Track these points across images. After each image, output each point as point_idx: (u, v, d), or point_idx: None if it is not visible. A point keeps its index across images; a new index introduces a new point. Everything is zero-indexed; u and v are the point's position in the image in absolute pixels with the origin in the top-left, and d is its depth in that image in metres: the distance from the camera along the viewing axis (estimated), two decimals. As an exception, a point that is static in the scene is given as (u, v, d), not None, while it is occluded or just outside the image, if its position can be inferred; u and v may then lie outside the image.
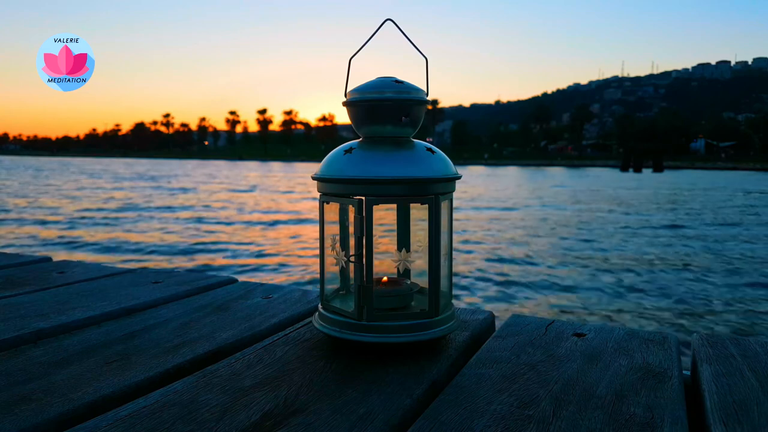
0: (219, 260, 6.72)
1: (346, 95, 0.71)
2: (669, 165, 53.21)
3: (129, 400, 0.56)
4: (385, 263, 0.75)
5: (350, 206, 0.67)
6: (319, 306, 0.73)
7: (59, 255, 5.31)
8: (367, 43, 0.71)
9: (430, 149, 0.70)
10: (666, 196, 18.31)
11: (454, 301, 0.75)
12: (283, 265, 6.43)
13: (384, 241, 0.75)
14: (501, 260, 6.73)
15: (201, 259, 6.77)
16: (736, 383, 0.61)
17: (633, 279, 5.86)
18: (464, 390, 0.59)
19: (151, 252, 7.25)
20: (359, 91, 0.69)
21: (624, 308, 4.74)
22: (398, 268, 0.78)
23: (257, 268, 6.26)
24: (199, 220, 10.77)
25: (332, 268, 0.76)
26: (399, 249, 0.76)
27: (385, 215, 0.74)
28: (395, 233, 0.78)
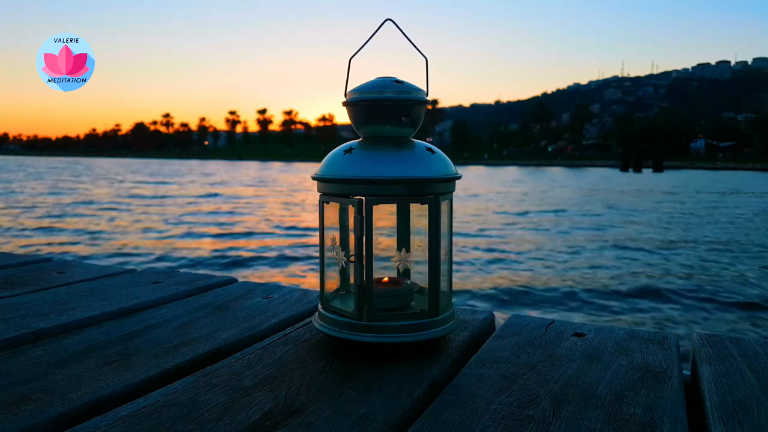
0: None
1: (346, 95, 0.71)
2: (669, 165, 53.20)
3: (129, 400, 0.56)
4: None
5: (350, 206, 0.67)
6: (319, 306, 0.73)
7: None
8: (367, 43, 0.71)
9: (430, 149, 0.70)
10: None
11: (453, 301, 0.75)
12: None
13: (384, 240, 0.75)
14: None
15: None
16: (736, 383, 0.61)
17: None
18: (464, 390, 0.59)
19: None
20: (359, 91, 0.69)
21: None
22: (398, 268, 0.78)
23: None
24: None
25: (332, 268, 0.76)
26: (399, 249, 0.76)
27: (385, 215, 0.74)
28: (395, 233, 0.78)
